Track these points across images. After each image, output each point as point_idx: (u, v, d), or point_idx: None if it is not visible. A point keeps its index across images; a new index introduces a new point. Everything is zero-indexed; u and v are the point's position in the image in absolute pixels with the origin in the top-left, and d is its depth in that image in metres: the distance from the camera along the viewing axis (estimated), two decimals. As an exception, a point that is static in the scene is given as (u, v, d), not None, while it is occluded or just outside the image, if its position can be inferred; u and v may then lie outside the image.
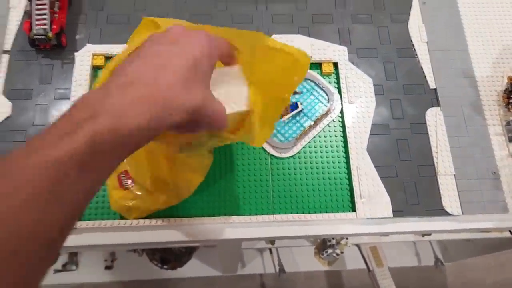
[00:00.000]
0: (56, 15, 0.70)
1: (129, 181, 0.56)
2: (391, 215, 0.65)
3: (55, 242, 0.31)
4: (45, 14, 0.68)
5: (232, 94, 0.44)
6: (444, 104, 0.72)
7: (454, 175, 0.67)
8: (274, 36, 0.75)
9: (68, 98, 0.69)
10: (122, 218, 0.61)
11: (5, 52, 0.71)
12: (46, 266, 0.31)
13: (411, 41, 0.77)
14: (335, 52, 0.75)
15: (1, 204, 0.28)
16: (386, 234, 0.69)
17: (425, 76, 0.74)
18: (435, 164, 0.68)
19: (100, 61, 0.72)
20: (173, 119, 0.35)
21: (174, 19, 0.54)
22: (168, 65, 0.36)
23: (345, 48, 0.75)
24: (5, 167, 0.30)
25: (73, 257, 1.30)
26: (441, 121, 0.71)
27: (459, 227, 0.65)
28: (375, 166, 0.67)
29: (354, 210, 0.65)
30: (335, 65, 0.74)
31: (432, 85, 0.73)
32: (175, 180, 0.55)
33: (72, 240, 0.60)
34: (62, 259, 1.33)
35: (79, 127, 0.32)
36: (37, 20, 0.68)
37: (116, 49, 0.72)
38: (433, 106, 0.72)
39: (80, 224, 0.62)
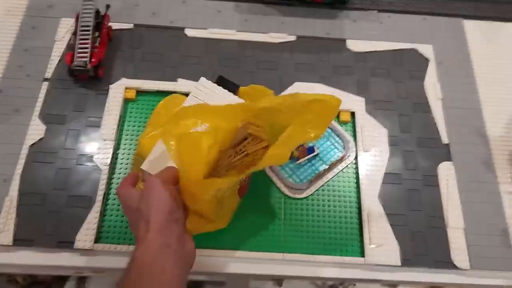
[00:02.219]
0: (96, 49, 0.76)
1: None
2: (400, 264, 0.66)
3: None
4: (87, 48, 0.74)
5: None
6: (456, 159, 0.74)
7: (464, 229, 0.69)
8: (296, 84, 0.80)
9: (99, 126, 0.73)
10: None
11: (45, 79, 0.77)
12: None
13: (427, 97, 0.80)
14: (353, 102, 0.78)
15: None
16: (394, 283, 0.70)
17: (438, 131, 0.77)
18: (445, 216, 0.69)
19: (131, 94, 0.77)
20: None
21: (195, 107, 0.61)
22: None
23: (363, 99, 0.79)
24: None
25: (81, 285, 1.31)
26: (453, 176, 0.73)
27: (467, 281, 0.66)
28: (386, 214, 0.69)
29: (363, 255, 0.66)
30: (352, 114, 0.77)
31: (445, 140, 0.76)
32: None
33: (87, 261, 0.63)
34: (70, 286, 1.33)
35: None
36: (79, 53, 0.74)
37: (147, 85, 0.77)
38: (445, 161, 0.74)
39: (96, 246, 0.64)
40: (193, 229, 0.53)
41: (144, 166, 0.55)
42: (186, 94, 0.73)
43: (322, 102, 0.55)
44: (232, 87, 0.63)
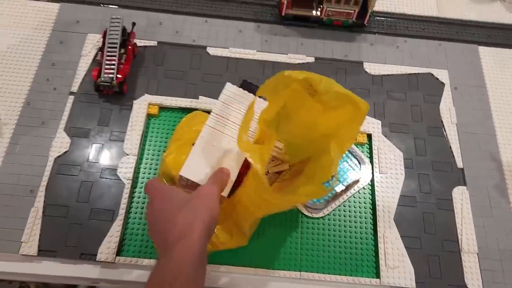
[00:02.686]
0: (122, 65, 0.78)
1: None
2: (414, 286, 0.67)
3: None
4: (113, 64, 0.77)
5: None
6: (470, 183, 0.76)
7: (477, 253, 0.70)
8: (314, 104, 0.82)
9: (122, 141, 0.75)
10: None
11: (71, 93, 0.79)
12: None
13: (442, 121, 0.82)
14: (370, 124, 0.80)
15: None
16: (407, 305, 0.71)
17: (453, 156, 0.78)
18: (459, 240, 0.71)
19: (154, 110, 0.79)
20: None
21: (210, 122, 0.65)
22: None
23: (379, 122, 0.81)
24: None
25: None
26: (467, 200, 0.74)
27: (481, 306, 0.67)
28: (401, 236, 0.70)
29: (378, 276, 0.67)
30: (369, 136, 0.79)
31: (459, 164, 0.78)
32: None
33: (108, 273, 0.64)
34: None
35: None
36: (106, 69, 0.77)
37: (169, 101, 0.80)
38: (459, 185, 0.76)
39: (118, 259, 0.66)
40: (220, 245, 0.54)
41: (183, 173, 0.57)
42: (207, 111, 0.75)
43: (352, 102, 0.55)
44: (256, 89, 0.65)
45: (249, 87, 0.65)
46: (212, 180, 0.56)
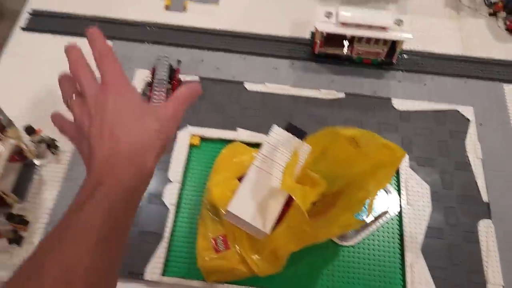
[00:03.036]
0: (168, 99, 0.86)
1: (224, 245, 0.67)
2: (441, 315, 0.70)
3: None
4: (161, 99, 0.84)
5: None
6: (496, 217, 0.79)
7: (503, 286, 0.73)
8: (344, 138, 0.87)
9: (167, 169, 0.82)
10: (203, 279, 0.70)
11: (121, 124, 0.87)
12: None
13: (467, 156, 0.86)
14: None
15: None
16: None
17: (479, 190, 0.82)
18: (485, 272, 0.74)
19: (196, 141, 0.86)
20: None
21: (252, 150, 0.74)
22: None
23: (407, 155, 0.85)
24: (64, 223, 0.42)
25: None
26: (492, 233, 0.77)
27: (506, 337, 0.69)
28: (428, 266, 0.74)
29: (405, 305, 0.71)
30: (397, 169, 0.84)
31: (485, 198, 0.81)
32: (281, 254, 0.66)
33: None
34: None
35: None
36: (154, 103, 0.84)
37: (210, 133, 0.86)
38: (485, 218, 0.79)
39: (163, 278, 0.72)
40: (259, 273, 0.60)
41: (231, 209, 0.62)
42: (245, 143, 0.81)
43: (390, 150, 0.62)
44: (300, 133, 0.71)
45: (295, 130, 0.70)
46: (177, 104, 0.51)
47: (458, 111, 0.91)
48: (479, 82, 0.96)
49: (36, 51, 0.97)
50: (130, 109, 0.47)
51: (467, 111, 0.91)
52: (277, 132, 0.71)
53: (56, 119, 0.54)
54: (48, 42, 0.98)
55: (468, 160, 0.85)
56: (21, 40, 0.99)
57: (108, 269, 0.43)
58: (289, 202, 0.64)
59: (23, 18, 1.02)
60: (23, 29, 1.01)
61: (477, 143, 0.87)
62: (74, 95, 0.50)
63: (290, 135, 0.71)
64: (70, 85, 0.52)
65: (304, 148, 0.69)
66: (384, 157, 0.62)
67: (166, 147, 0.50)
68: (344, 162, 0.66)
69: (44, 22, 1.01)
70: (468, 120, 0.90)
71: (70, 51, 0.52)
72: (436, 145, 0.87)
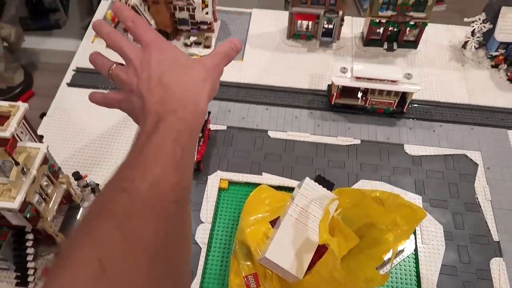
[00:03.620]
0: (200, 147, 0.95)
1: (256, 283, 0.73)
2: None
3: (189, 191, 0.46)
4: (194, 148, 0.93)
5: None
6: (507, 255, 0.84)
7: (516, 321, 0.77)
8: (361, 181, 0.94)
9: (199, 210, 0.90)
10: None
11: (157, 169, 0.96)
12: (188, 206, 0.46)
13: (477, 198, 0.92)
14: (411, 199, 0.91)
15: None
16: None
17: (489, 229, 0.88)
18: (499, 308, 0.78)
19: (225, 185, 0.94)
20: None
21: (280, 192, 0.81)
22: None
23: (420, 197, 0.92)
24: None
25: None
26: (504, 271, 0.82)
27: None
28: (444, 302, 0.79)
29: (424, 339, 0.75)
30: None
31: (495, 237, 0.86)
32: None
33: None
34: None
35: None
36: (188, 150, 0.93)
37: (237, 177, 0.94)
38: (496, 257, 0.84)
39: (197, 313, 0.78)
40: None
41: (269, 256, 0.69)
42: (271, 186, 0.89)
43: (411, 209, 0.71)
44: (328, 185, 0.78)
45: (324, 181, 0.78)
46: (219, 57, 0.54)
47: (467, 156, 0.99)
48: (485, 128, 1.04)
49: (80, 104, 1.08)
50: (175, 61, 0.50)
51: (475, 156, 0.98)
52: (309, 184, 0.78)
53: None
54: (91, 96, 1.09)
55: (478, 201, 0.92)
56: (66, 94, 1.10)
57: (186, 192, 0.44)
58: (318, 251, 0.71)
59: (69, 75, 1.14)
60: (68, 84, 1.12)
61: (485, 186, 0.94)
62: (114, 64, 0.52)
63: (320, 187, 0.78)
64: (105, 59, 0.54)
65: (333, 199, 0.76)
66: (406, 216, 0.71)
67: (214, 92, 0.52)
68: (370, 217, 0.74)
69: (87, 78, 1.13)
70: (476, 164, 0.97)
71: (99, 25, 0.52)
72: (447, 187, 0.94)
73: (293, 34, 1.20)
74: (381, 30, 1.15)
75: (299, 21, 1.17)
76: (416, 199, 0.92)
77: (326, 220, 0.72)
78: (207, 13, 1.15)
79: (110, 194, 0.42)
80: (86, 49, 1.19)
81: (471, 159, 0.98)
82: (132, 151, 0.45)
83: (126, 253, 0.37)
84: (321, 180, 0.76)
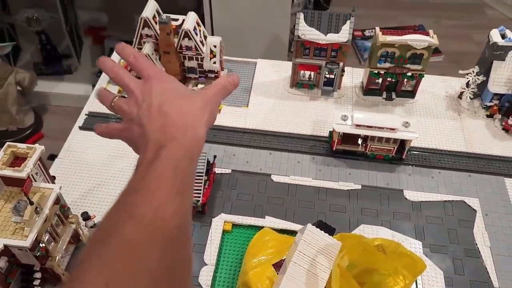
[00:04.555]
0: (205, 190, 0.98)
1: None
2: None
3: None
4: (200, 189, 0.96)
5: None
6: (507, 303, 0.85)
7: None
8: (362, 225, 0.96)
9: (202, 252, 0.91)
10: None
11: (163, 211, 0.98)
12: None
13: (476, 244, 0.94)
14: (412, 244, 0.93)
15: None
16: None
17: (489, 275, 0.89)
18: None
19: (228, 227, 0.96)
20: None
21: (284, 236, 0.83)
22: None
23: (420, 243, 0.93)
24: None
25: None
26: (505, 318, 0.83)
27: None
28: None
29: None
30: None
31: (495, 283, 0.87)
32: None
33: None
34: None
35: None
36: (194, 193, 0.96)
37: (241, 220, 0.97)
38: (497, 303, 0.85)
39: None
40: None
41: None
42: (274, 229, 0.91)
43: (412, 260, 0.74)
44: (329, 230, 0.80)
45: (325, 227, 0.79)
46: (218, 88, 0.57)
47: (465, 202, 1.01)
48: (482, 176, 1.07)
49: (90, 147, 1.12)
50: (174, 91, 0.53)
51: (473, 202, 1.01)
52: (312, 231, 0.79)
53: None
54: (101, 139, 1.13)
55: (477, 247, 0.93)
56: (78, 136, 1.15)
57: (187, 217, 0.47)
58: None
59: (81, 118, 1.19)
60: (80, 127, 1.17)
61: (484, 232, 0.95)
62: (116, 97, 0.56)
63: (325, 234, 0.79)
64: (108, 92, 0.58)
65: (335, 245, 0.78)
66: (407, 265, 0.74)
67: (212, 120, 0.54)
68: (372, 262, 0.76)
69: (99, 122, 1.18)
70: (474, 210, 1.00)
71: (103, 61, 0.58)
72: (447, 233, 0.96)
73: (296, 83, 1.26)
74: (380, 80, 1.21)
75: (302, 71, 1.24)
76: (416, 245, 0.93)
77: (336, 277, 0.72)
78: (214, 62, 1.21)
79: (116, 217, 0.45)
80: (98, 95, 1.25)
81: (470, 206, 1.00)
82: (135, 177, 0.48)
83: (133, 278, 0.40)
84: (322, 225, 0.78)
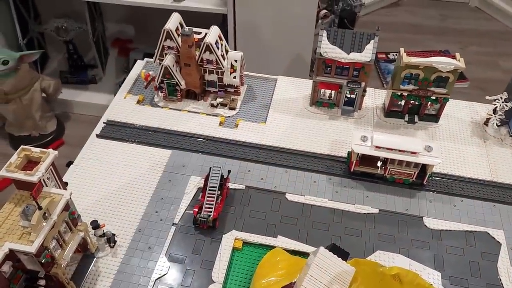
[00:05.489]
0: (217, 205, 0.96)
1: None
2: None
3: None
4: (212, 204, 0.94)
5: None
6: None
7: None
8: (378, 252, 0.92)
9: (211, 269, 0.89)
10: None
11: (173, 224, 0.96)
12: None
13: (500, 279, 0.88)
14: (430, 275, 0.88)
15: None
16: None
17: (513, 314, 0.83)
18: None
19: (239, 244, 0.93)
20: None
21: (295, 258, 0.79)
22: None
23: (439, 274, 0.88)
24: None
25: None
26: None
27: None
28: None
29: None
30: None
31: (520, 324, 0.82)
32: None
33: None
34: None
35: None
36: (206, 207, 0.94)
37: (252, 238, 0.94)
38: None
39: None
40: None
41: None
42: (286, 249, 0.88)
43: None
44: (343, 254, 0.76)
45: (339, 251, 0.76)
46: None
47: (489, 234, 0.96)
48: (509, 207, 1.01)
49: (106, 155, 1.11)
50: None
51: (498, 234, 0.96)
52: (324, 254, 0.76)
53: None
54: (117, 148, 1.13)
55: (501, 283, 0.88)
56: (95, 144, 1.15)
57: None
58: None
59: (99, 126, 1.19)
60: (97, 135, 1.17)
61: (510, 267, 0.90)
62: None
63: (335, 257, 0.76)
64: None
65: (349, 271, 0.74)
66: None
67: None
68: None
69: (116, 131, 1.18)
70: (499, 243, 0.94)
71: None
72: (468, 265, 0.91)
73: (316, 101, 1.24)
74: (402, 102, 1.17)
75: (322, 90, 1.22)
76: (435, 275, 0.88)
77: None
78: (234, 77, 1.20)
79: None
80: (118, 104, 1.25)
81: (494, 238, 0.95)
82: None
83: None
84: (336, 249, 0.74)
